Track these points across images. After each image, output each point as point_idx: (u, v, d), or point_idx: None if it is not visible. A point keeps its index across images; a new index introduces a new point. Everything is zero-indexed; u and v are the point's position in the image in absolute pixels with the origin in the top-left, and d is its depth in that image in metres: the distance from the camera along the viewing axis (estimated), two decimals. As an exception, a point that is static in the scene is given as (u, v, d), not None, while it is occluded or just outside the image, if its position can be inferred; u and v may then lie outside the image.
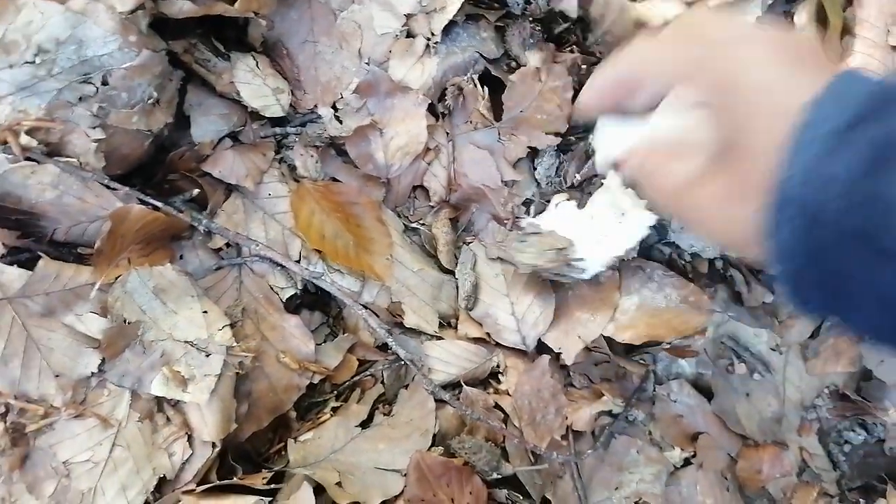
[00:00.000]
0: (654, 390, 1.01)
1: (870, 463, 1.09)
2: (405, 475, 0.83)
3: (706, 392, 1.02)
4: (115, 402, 0.76)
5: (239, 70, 0.89)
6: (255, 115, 0.92)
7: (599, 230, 0.91)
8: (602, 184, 0.94)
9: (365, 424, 0.88)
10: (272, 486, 0.78)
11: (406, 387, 0.92)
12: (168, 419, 0.78)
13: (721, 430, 1.01)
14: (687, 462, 0.99)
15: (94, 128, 0.76)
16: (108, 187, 0.77)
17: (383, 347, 0.94)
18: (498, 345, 0.95)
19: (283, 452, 0.86)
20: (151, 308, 0.78)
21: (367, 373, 0.93)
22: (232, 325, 0.82)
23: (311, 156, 0.94)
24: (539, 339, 0.95)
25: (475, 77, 0.95)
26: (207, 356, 0.78)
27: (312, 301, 0.95)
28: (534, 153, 1.00)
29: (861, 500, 1.05)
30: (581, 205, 0.94)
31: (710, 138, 0.46)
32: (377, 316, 0.91)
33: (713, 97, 0.45)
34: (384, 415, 0.90)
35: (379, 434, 0.87)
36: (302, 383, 0.86)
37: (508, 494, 0.88)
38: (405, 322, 0.93)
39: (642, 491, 0.95)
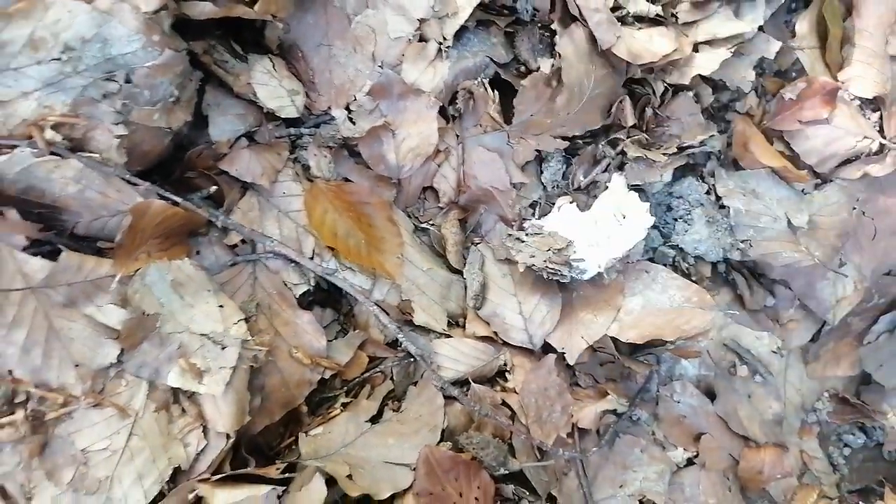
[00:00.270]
0: (658, 391, 1.02)
1: (869, 466, 1.10)
2: (414, 469, 0.85)
3: (709, 393, 1.04)
4: (132, 393, 0.78)
5: (256, 71, 0.91)
6: (270, 116, 0.94)
7: (600, 232, 0.93)
8: (607, 187, 0.97)
9: (375, 420, 0.89)
10: (285, 475, 0.79)
11: (415, 383, 0.93)
12: (183, 410, 0.79)
13: (723, 430, 1.02)
14: (690, 462, 1.01)
15: (116, 124, 0.78)
16: (129, 182, 0.79)
17: (393, 344, 0.95)
18: (505, 343, 0.97)
19: (293, 446, 0.87)
20: (169, 301, 0.80)
21: (377, 369, 0.95)
22: (246, 320, 0.83)
23: (325, 156, 0.96)
24: (545, 339, 0.97)
25: (485, 81, 0.98)
26: (223, 349, 0.80)
27: (324, 298, 0.96)
28: (541, 157, 1.02)
29: (860, 502, 1.06)
30: (585, 207, 0.96)
31: None
32: (387, 313, 0.93)
33: None
34: (394, 410, 0.91)
35: (388, 429, 0.88)
36: (314, 378, 0.88)
37: (515, 490, 0.89)
38: (414, 320, 0.94)
39: (646, 489, 0.97)
